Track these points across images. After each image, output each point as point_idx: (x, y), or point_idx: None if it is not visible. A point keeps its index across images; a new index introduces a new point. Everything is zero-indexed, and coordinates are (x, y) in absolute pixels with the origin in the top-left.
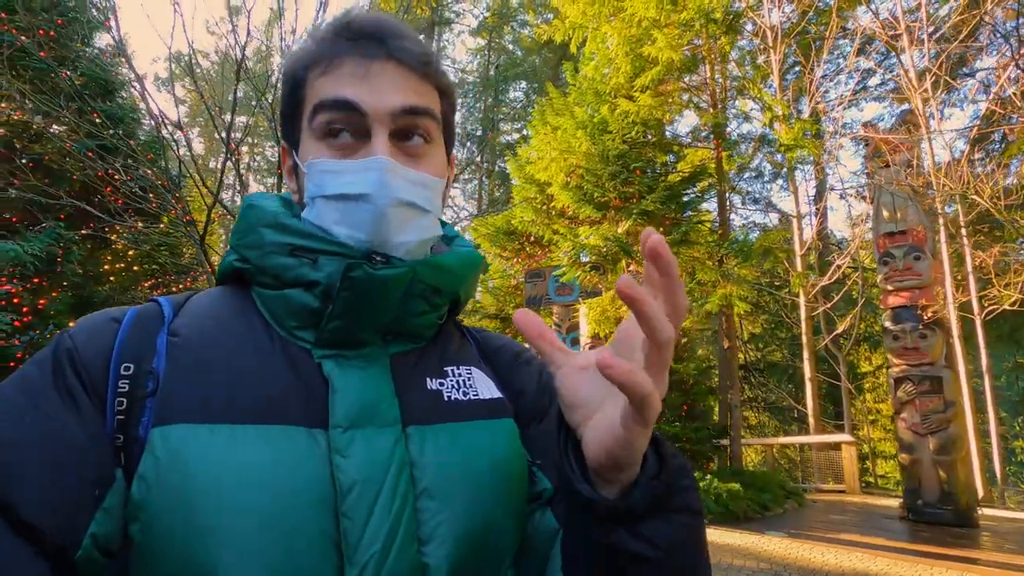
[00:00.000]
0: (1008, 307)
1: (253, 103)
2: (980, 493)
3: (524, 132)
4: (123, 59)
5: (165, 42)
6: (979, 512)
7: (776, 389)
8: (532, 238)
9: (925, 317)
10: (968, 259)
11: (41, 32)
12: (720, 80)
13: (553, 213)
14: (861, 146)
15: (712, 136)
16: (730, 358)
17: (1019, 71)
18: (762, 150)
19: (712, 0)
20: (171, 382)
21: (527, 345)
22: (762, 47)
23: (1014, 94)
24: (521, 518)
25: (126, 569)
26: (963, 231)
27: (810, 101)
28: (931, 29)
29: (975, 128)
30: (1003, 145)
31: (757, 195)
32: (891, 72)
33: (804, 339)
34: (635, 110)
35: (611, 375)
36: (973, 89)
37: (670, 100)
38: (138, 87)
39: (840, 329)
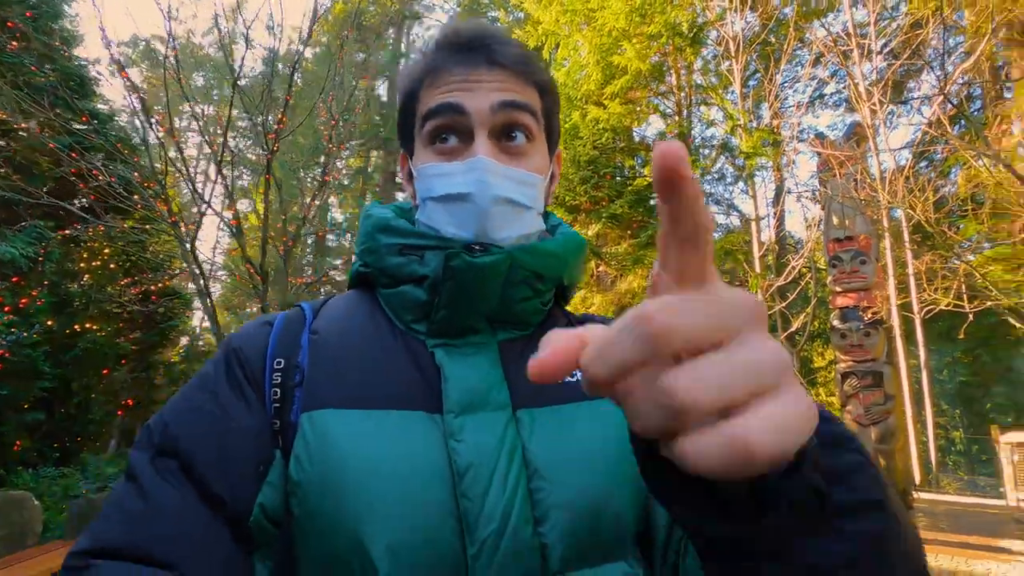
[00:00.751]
0: (944, 307)
1: (215, 92)
2: (917, 478)
3: None
4: (104, 52)
5: (154, 38)
6: (915, 495)
7: None
8: None
9: (865, 318)
10: (910, 264)
11: (11, 24)
12: (686, 88)
13: None
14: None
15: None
16: None
17: (946, 100)
18: (724, 155)
19: (679, 14)
20: (314, 374)
21: None
22: (725, 56)
23: (943, 117)
24: (639, 499)
25: (291, 538)
26: (906, 239)
27: (769, 108)
28: (881, 43)
29: (917, 142)
30: (944, 156)
31: (719, 197)
32: (843, 83)
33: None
34: (605, 117)
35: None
36: (917, 102)
37: (638, 108)
38: (123, 82)
39: (795, 327)
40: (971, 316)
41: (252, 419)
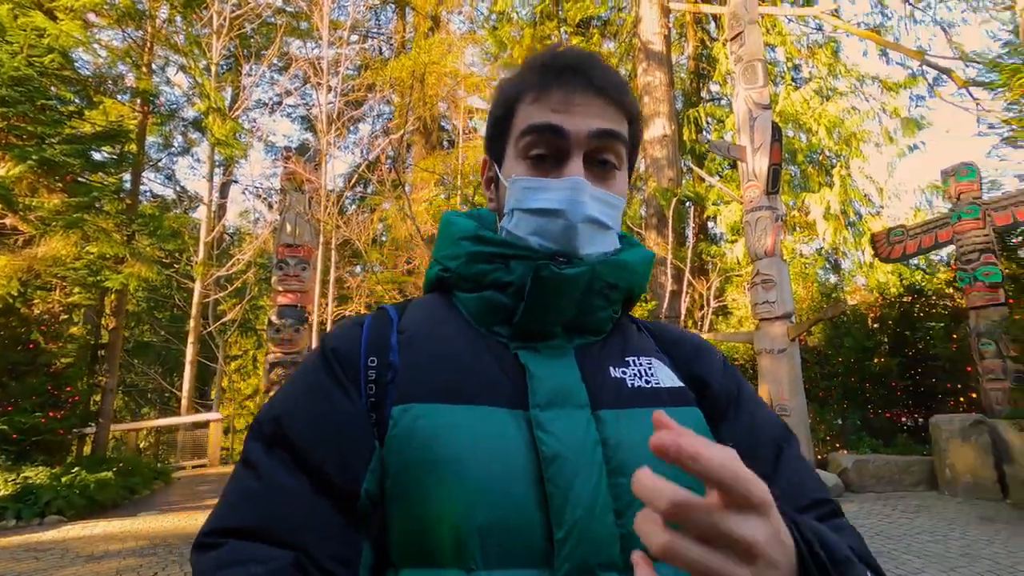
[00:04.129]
0: (348, 313)
1: None
2: None
3: None
4: None
5: None
6: None
7: (143, 370)
8: None
9: (306, 316)
10: (332, 274)
11: None
12: (162, 46)
13: None
14: (273, 151)
15: (141, 101)
16: (115, 340)
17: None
18: (179, 124)
19: None
20: (404, 371)
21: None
22: (206, 26)
23: (385, 174)
24: None
25: (385, 520)
26: (334, 255)
27: (240, 100)
28: (341, 86)
29: (354, 175)
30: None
31: (161, 165)
32: (305, 103)
33: (192, 323)
34: (55, 33)
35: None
36: (361, 143)
37: (101, 41)
38: None
39: (230, 316)
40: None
41: (352, 409)
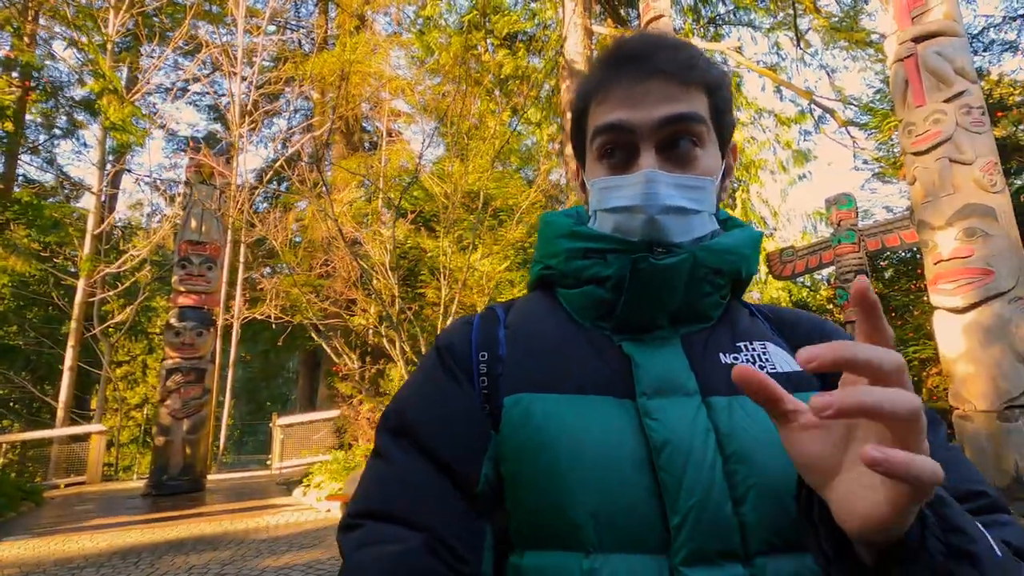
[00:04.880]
0: (258, 316)
1: None
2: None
3: None
4: None
5: None
6: (206, 477)
7: (6, 377)
8: None
9: (212, 318)
10: (240, 275)
11: None
12: (48, 15)
13: None
14: (175, 140)
15: (20, 75)
16: None
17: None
18: (62, 103)
19: None
20: (513, 364)
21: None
22: (103, 2)
23: (306, 174)
24: None
25: (502, 501)
26: (243, 252)
27: (139, 82)
28: (255, 78)
29: (270, 171)
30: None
31: (40, 147)
32: (214, 90)
33: (73, 325)
34: None
35: (890, 471)
36: (277, 139)
37: None
38: None
39: (119, 318)
40: (273, 325)
41: (468, 401)
